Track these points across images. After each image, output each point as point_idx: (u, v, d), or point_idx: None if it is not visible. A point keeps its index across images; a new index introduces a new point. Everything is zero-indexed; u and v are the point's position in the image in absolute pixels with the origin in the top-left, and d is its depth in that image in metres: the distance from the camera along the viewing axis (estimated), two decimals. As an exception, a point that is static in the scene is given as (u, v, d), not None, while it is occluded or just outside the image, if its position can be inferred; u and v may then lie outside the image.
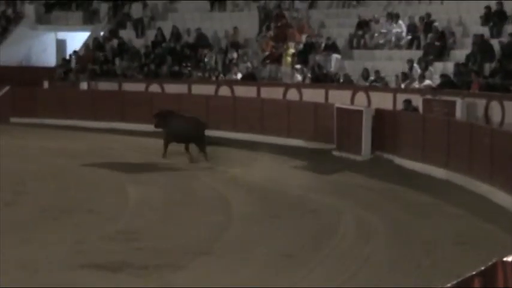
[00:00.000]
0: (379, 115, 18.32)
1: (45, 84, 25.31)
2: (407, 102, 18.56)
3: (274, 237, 11.39)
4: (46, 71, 26.04)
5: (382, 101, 19.55)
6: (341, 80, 21.24)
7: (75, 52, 26.10)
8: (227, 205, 13.32)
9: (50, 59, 27.74)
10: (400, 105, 18.96)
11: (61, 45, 28.31)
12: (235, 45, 24.08)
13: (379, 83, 20.33)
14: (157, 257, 10.38)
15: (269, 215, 12.64)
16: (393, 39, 21.65)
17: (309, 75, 22.14)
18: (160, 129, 18.34)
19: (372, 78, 20.62)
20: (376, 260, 10.55)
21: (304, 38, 23.30)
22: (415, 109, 18.37)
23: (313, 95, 21.12)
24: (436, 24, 20.69)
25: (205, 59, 24.07)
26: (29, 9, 28.05)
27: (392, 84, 20.26)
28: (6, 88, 24.80)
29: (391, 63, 21.14)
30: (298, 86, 21.84)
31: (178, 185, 14.85)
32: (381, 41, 21.89)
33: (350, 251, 10.90)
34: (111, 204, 13.13)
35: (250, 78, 23.10)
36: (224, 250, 10.78)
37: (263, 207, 13.24)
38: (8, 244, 10.49)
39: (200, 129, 18.01)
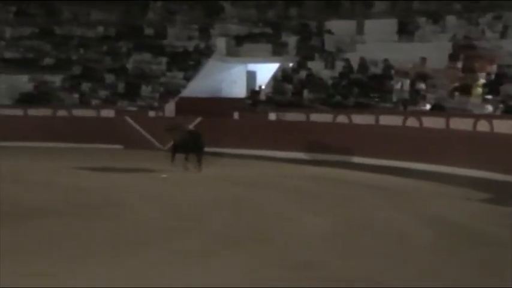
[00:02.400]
0: None
1: (235, 115, 25.90)
2: None
3: (452, 270, 11.03)
4: (236, 102, 26.65)
5: None
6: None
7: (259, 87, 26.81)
8: (405, 237, 13.03)
9: (239, 91, 28.39)
10: None
11: (251, 76, 28.95)
12: (423, 76, 23.75)
13: None
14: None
15: (448, 248, 12.27)
16: None
17: (501, 106, 21.46)
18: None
19: None
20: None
21: (495, 68, 22.65)
22: None
23: (505, 126, 20.44)
24: None
25: (395, 88, 23.88)
26: (221, 43, 28.87)
27: None
28: (199, 119, 25.56)
29: None
30: (489, 117, 21.21)
31: (355, 216, 14.69)
32: None
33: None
34: (287, 233, 13.13)
35: (438, 109, 22.69)
36: (402, 282, 10.53)
37: (443, 239, 12.88)
38: (181, 271, 10.69)
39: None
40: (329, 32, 27.45)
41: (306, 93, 25.41)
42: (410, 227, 13.76)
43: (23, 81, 29.22)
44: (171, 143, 21.67)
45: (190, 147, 20.42)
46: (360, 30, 27.24)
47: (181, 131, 21.04)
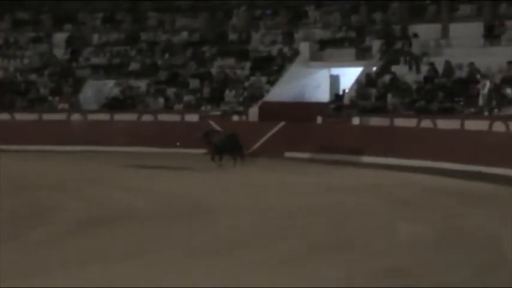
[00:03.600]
0: None
1: (319, 120, 25.91)
2: None
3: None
4: (319, 107, 26.66)
5: None
6: None
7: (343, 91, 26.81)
8: (498, 245, 12.90)
9: (323, 95, 28.39)
10: None
11: (334, 81, 28.91)
12: (509, 80, 23.43)
13: None
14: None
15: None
16: None
17: None
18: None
19: None
20: None
21: None
22: None
23: None
24: None
25: (481, 92, 23.59)
26: (304, 47, 28.91)
27: None
28: (282, 124, 25.67)
29: None
30: None
31: (447, 223, 14.60)
32: None
33: None
34: (380, 240, 13.14)
35: (525, 113, 22.40)
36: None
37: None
38: (276, 279, 10.79)
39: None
40: (414, 35, 27.27)
41: (389, 97, 25.27)
42: (503, 234, 13.60)
43: (110, 87, 29.80)
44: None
45: (230, 148, 22.16)
46: (445, 33, 26.97)
47: (218, 133, 22.82)
